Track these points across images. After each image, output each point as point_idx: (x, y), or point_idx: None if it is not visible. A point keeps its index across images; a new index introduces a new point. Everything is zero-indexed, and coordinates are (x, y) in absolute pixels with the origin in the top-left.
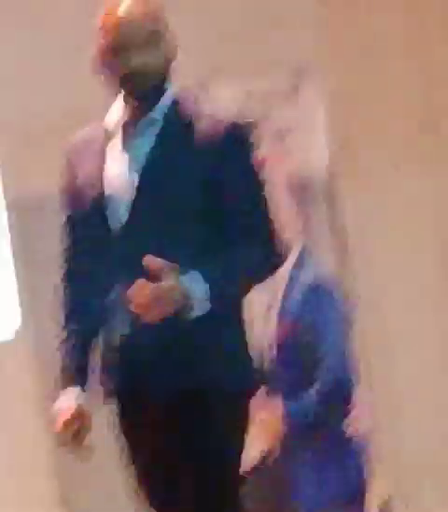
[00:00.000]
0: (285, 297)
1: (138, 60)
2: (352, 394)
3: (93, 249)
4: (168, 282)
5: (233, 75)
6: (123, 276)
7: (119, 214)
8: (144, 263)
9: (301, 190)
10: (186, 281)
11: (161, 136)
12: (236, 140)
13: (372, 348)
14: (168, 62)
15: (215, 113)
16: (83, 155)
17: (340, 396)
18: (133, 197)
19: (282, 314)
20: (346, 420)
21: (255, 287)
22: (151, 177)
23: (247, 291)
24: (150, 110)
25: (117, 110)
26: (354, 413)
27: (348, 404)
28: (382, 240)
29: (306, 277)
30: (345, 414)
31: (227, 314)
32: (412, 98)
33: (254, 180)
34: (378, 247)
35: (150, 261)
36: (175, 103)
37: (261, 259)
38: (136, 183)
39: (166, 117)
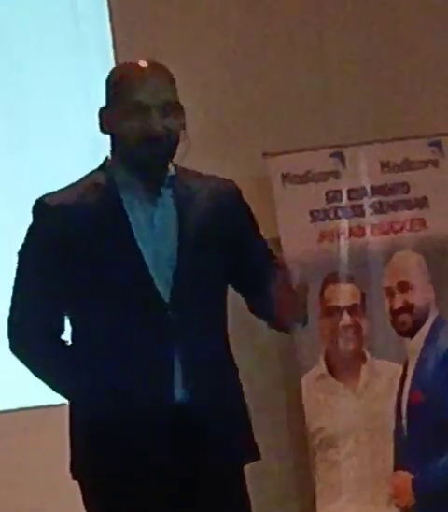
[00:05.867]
0: (417, 368)
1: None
2: None
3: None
4: None
5: (370, 145)
6: None
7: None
8: None
9: (436, 258)
10: None
11: (179, 206)
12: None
13: None
14: None
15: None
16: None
17: None
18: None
19: (414, 384)
20: None
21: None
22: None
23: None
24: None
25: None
26: None
27: None
28: None
29: (439, 347)
30: None
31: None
32: None
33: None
34: None
35: None
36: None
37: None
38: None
39: (174, 184)
